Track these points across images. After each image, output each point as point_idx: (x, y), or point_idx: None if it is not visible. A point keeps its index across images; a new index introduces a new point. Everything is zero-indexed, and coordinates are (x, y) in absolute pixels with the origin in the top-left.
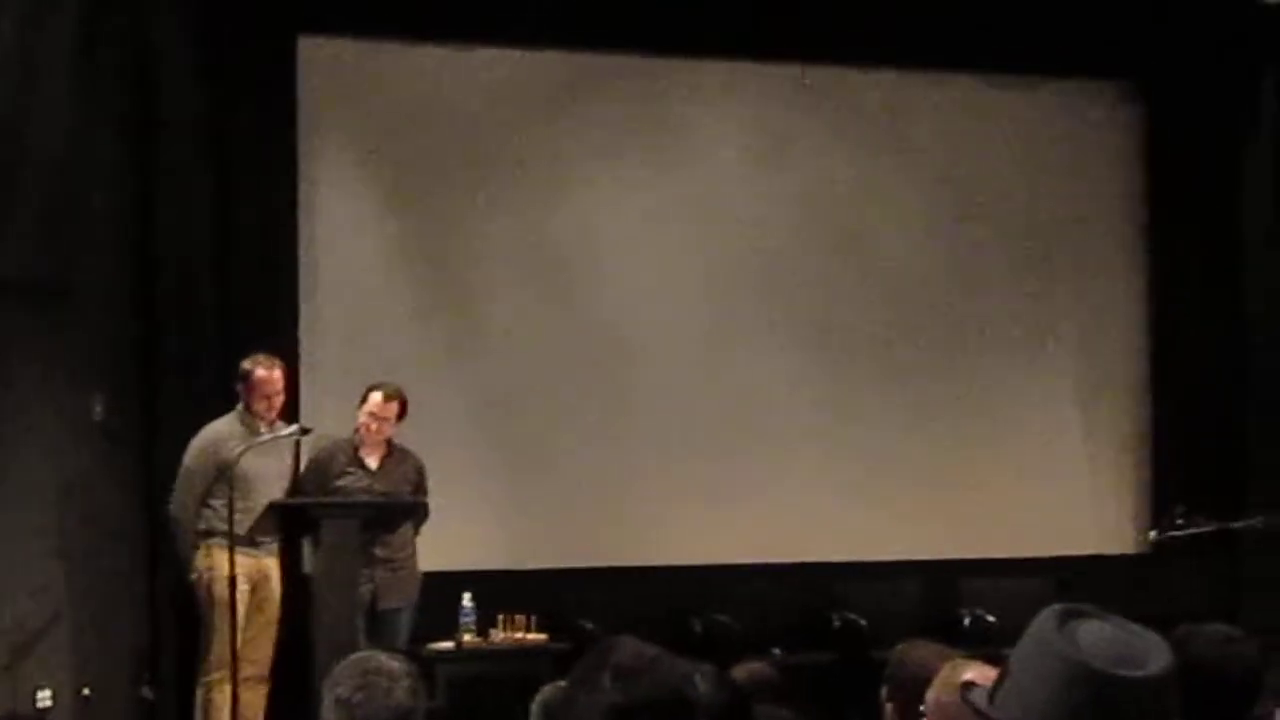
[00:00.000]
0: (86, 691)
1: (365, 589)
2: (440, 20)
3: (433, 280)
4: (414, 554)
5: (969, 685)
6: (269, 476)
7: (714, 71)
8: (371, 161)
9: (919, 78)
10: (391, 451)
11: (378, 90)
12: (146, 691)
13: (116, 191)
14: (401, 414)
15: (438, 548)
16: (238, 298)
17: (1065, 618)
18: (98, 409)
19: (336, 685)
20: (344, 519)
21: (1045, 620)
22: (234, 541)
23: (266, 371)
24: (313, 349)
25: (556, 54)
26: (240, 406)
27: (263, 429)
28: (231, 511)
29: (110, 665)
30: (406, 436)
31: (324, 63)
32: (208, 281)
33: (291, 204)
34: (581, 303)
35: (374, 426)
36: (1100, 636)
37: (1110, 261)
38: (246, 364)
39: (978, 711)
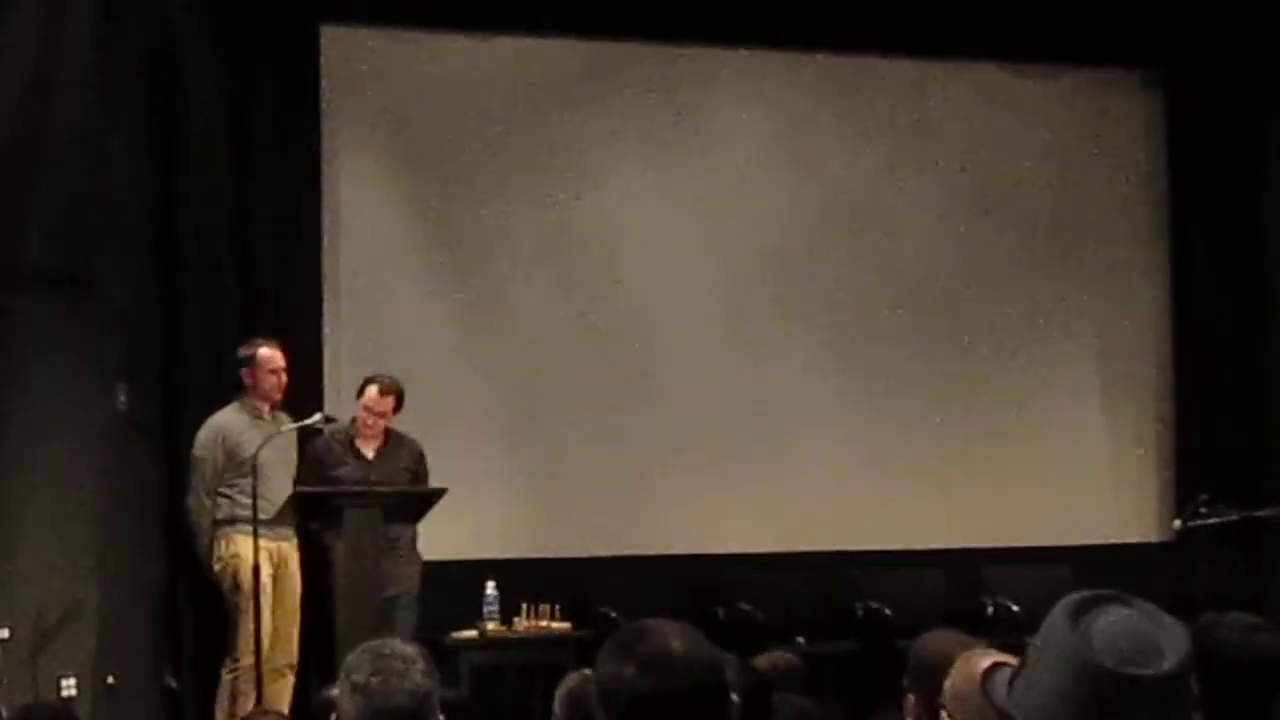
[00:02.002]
0: (111, 680)
1: None
2: (462, 9)
3: (455, 269)
4: (413, 541)
5: (990, 674)
6: (276, 463)
7: (734, 60)
8: (393, 150)
9: (939, 66)
10: (389, 440)
11: (399, 79)
12: (170, 680)
13: (138, 181)
14: (398, 406)
15: (461, 536)
16: (260, 287)
17: (1080, 609)
18: (121, 399)
19: (352, 672)
20: (367, 508)
21: (1059, 612)
22: (257, 528)
23: (270, 350)
24: (335, 338)
25: (578, 42)
26: (241, 396)
27: (265, 415)
28: (255, 498)
29: (134, 654)
30: (430, 425)
31: (346, 52)
32: (230, 270)
33: (314, 193)
34: (602, 290)
35: (370, 421)
36: (1115, 629)
37: (1132, 249)
38: (246, 348)
39: (994, 703)
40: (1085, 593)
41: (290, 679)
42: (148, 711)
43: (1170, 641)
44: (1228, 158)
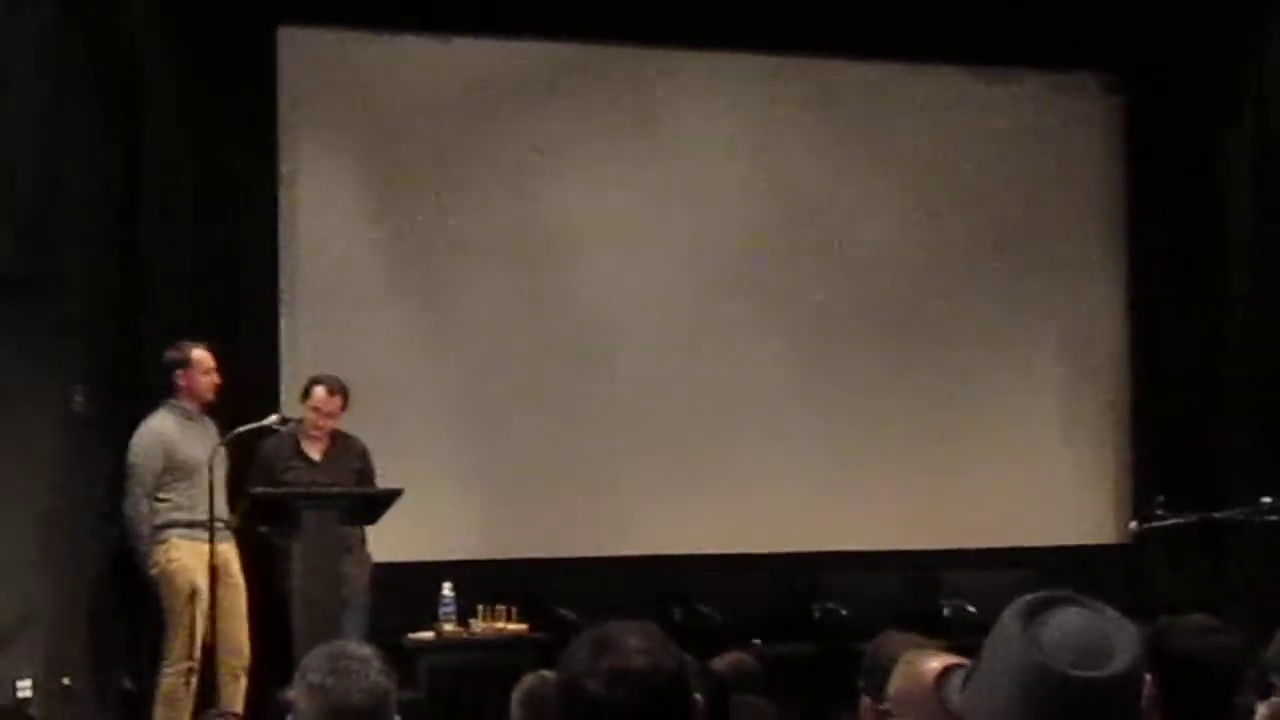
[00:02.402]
0: (67, 681)
1: None
2: (421, 10)
3: (413, 270)
4: (363, 541)
5: (944, 676)
6: (205, 464)
7: (696, 62)
8: (352, 151)
9: (900, 69)
10: (335, 442)
11: (358, 81)
12: (127, 681)
13: (95, 184)
14: (344, 405)
15: (418, 538)
16: (216, 288)
17: (1031, 611)
18: (77, 399)
19: (308, 673)
20: (324, 510)
21: (1010, 615)
22: (211, 529)
23: (202, 351)
24: (292, 339)
25: (537, 44)
26: (170, 399)
27: (195, 417)
28: (213, 501)
29: (90, 655)
30: (388, 426)
31: (304, 53)
32: (187, 272)
33: (272, 194)
34: (562, 293)
35: (320, 422)
36: (1066, 631)
37: (1091, 252)
38: (176, 351)
39: (948, 706)
40: (1036, 594)
41: (244, 681)
42: (104, 713)
43: (1121, 642)
44: (1185, 161)
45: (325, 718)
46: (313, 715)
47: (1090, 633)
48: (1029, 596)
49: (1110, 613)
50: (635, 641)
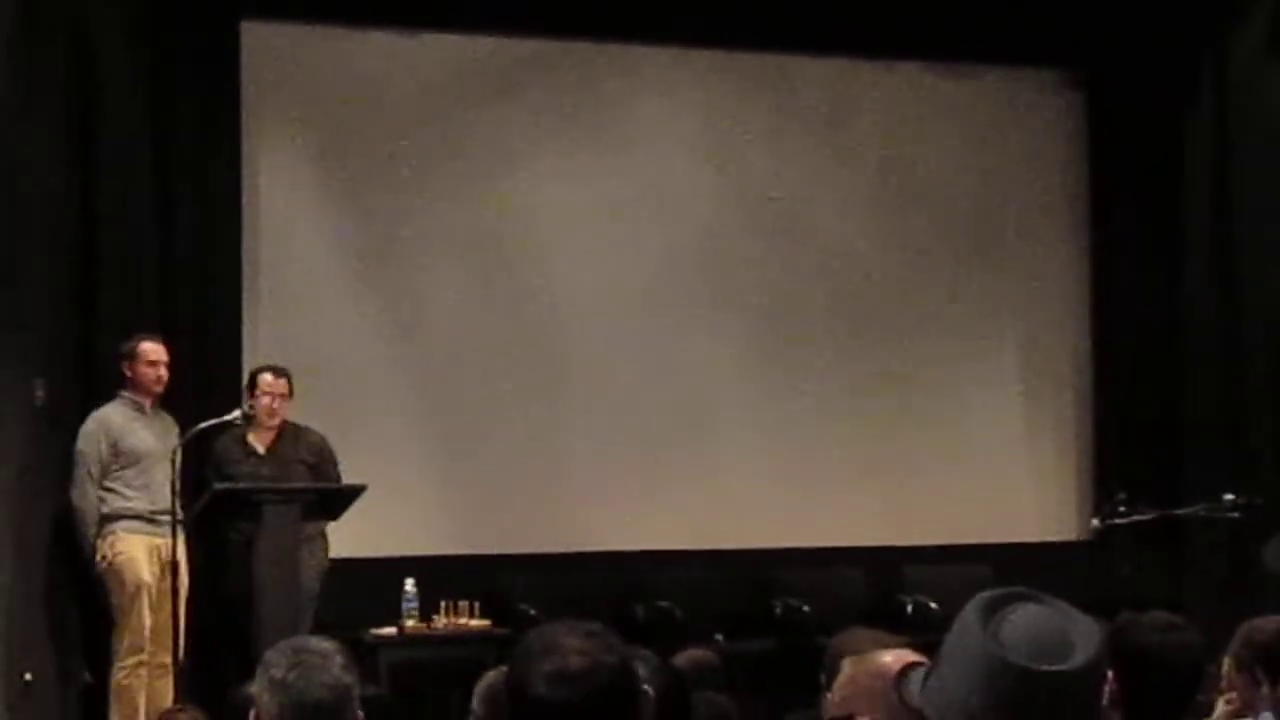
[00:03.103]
0: (28, 677)
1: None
2: (382, 5)
3: (374, 265)
4: (316, 537)
5: (905, 673)
6: (159, 456)
7: (656, 58)
8: (314, 146)
9: (862, 65)
10: (283, 434)
11: (320, 75)
12: (87, 676)
13: (57, 177)
14: (289, 391)
15: (381, 533)
16: (179, 283)
17: (991, 607)
18: (39, 394)
19: (270, 668)
20: (285, 505)
21: (970, 610)
22: (173, 525)
23: (151, 344)
24: (254, 333)
25: (498, 39)
26: (121, 391)
27: (147, 409)
28: (176, 494)
29: (51, 649)
30: (350, 421)
31: (266, 48)
32: (149, 267)
33: (233, 189)
34: (521, 288)
35: (274, 405)
36: (1025, 626)
37: (1052, 248)
38: (126, 342)
39: (908, 702)
40: (996, 590)
41: (171, 677)
42: (66, 708)
43: (1081, 637)
44: (1147, 157)
45: (287, 713)
46: (275, 710)
47: (1050, 628)
48: (989, 592)
49: (1069, 609)
50: (574, 641)
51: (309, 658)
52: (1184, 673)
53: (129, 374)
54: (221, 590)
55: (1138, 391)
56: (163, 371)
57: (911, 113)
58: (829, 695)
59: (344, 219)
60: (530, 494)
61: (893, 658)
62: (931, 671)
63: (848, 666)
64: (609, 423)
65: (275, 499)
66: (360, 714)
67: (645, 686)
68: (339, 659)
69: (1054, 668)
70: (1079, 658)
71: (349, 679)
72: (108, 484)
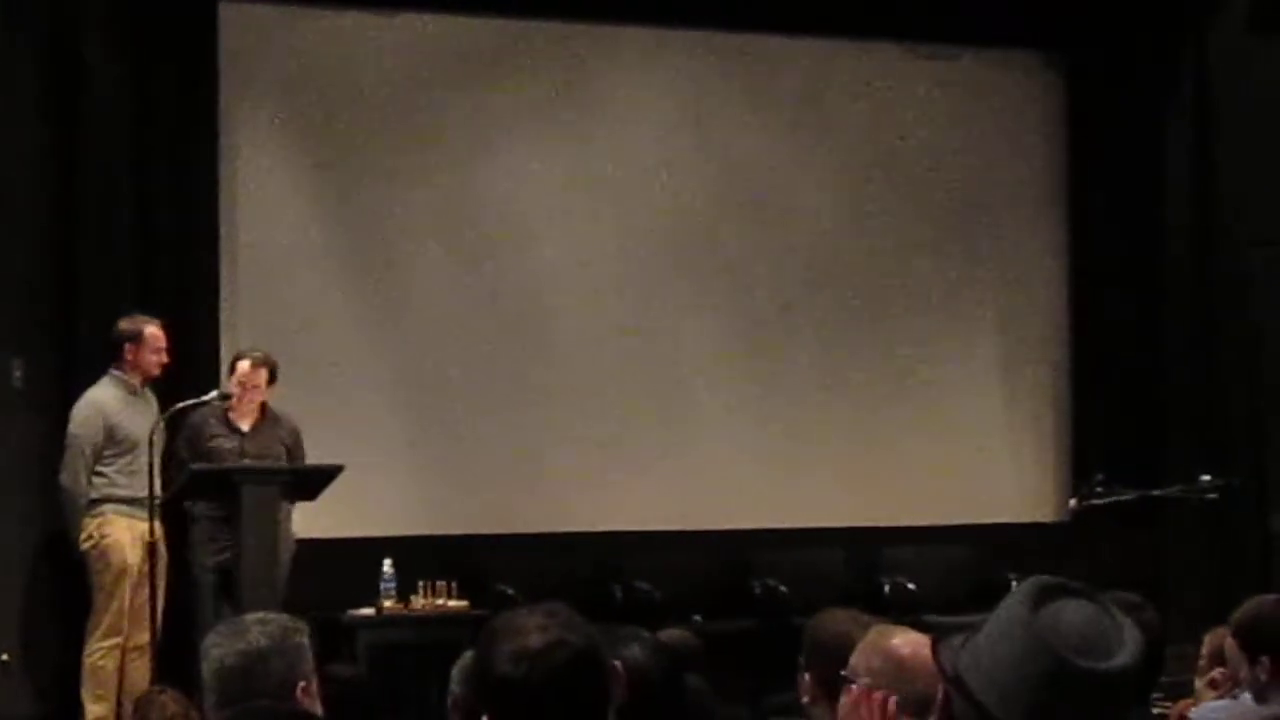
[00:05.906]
0: (4, 657)
1: (222, 557)
2: None
3: (353, 246)
4: (287, 517)
5: (937, 644)
6: (146, 439)
7: (635, 38)
8: (292, 126)
9: (840, 46)
10: (265, 416)
11: (299, 55)
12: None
13: (34, 155)
14: (271, 380)
15: (358, 514)
16: (156, 262)
17: (1041, 596)
18: (16, 374)
19: (210, 648)
20: (264, 485)
21: (1021, 595)
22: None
23: (155, 329)
24: (232, 314)
25: (477, 19)
26: (115, 370)
27: (139, 390)
28: (152, 477)
29: (31, 630)
30: (328, 402)
31: (244, 27)
32: (127, 247)
33: (212, 170)
34: (502, 269)
35: (246, 396)
36: (1074, 620)
37: (1031, 230)
38: (130, 323)
39: (945, 674)
40: (1046, 580)
41: (148, 658)
42: (42, 689)
43: (1125, 638)
44: (1126, 137)
45: (210, 679)
46: (206, 679)
47: (1098, 626)
48: (1038, 580)
49: (1114, 608)
50: (536, 621)
51: (233, 627)
52: (1146, 650)
53: (129, 356)
54: (195, 570)
55: (1116, 372)
56: (165, 357)
57: (891, 94)
58: (807, 676)
59: (322, 199)
60: (508, 475)
61: (900, 638)
62: (966, 644)
63: (866, 643)
64: (587, 404)
65: (253, 479)
66: (305, 683)
67: (615, 662)
68: (261, 627)
69: (1100, 665)
70: (1122, 658)
71: (266, 644)
72: (99, 468)
